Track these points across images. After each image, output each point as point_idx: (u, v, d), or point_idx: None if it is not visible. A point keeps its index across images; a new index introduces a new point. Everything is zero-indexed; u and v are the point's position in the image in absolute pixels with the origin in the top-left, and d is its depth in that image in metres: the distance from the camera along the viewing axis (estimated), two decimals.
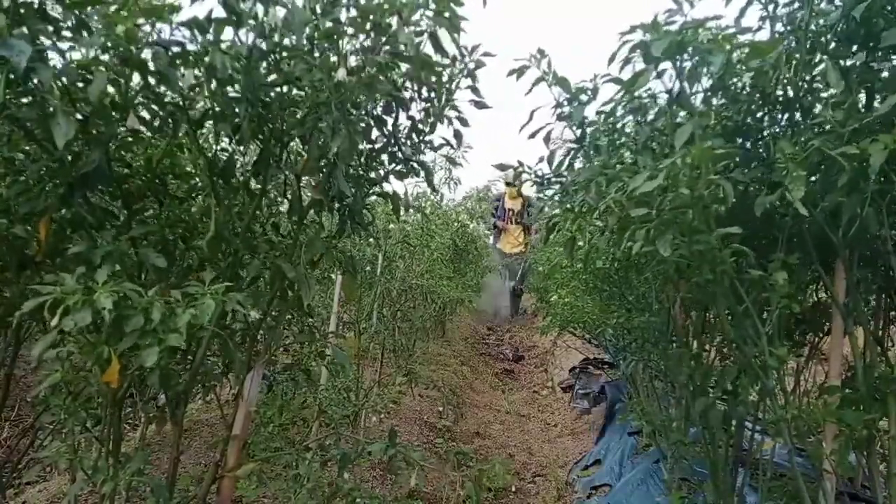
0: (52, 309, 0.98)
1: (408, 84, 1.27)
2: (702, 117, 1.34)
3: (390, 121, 1.33)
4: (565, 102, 1.65)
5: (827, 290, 1.59)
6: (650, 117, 1.54)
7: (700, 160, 1.16)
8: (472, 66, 1.33)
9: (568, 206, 1.66)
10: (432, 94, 1.33)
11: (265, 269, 1.33)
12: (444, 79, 1.31)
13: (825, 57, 1.31)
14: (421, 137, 1.39)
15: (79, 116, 1.09)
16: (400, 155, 1.38)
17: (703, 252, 1.26)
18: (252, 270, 1.31)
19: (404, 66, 1.21)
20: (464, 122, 1.39)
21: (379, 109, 1.28)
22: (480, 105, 1.38)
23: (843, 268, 1.49)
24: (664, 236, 1.23)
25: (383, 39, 1.12)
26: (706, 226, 1.23)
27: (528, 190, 8.68)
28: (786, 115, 1.47)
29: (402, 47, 1.13)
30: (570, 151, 1.72)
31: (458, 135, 1.41)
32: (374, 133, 1.33)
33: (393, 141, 1.36)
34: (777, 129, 1.48)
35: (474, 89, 1.37)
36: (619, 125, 1.63)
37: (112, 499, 1.31)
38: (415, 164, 1.40)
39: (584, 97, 1.65)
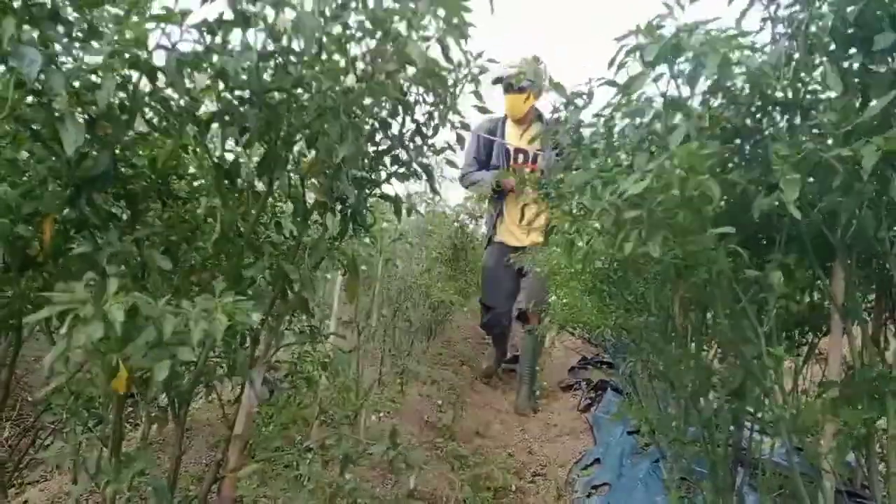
0: (62, 318, 0.96)
1: (413, 88, 1.28)
2: (699, 119, 1.35)
3: (395, 124, 1.34)
4: (562, 107, 1.68)
5: (824, 290, 1.60)
6: (646, 120, 1.55)
7: (688, 161, 1.17)
8: (476, 70, 1.33)
9: (565, 208, 1.68)
10: (436, 99, 1.34)
11: (268, 269, 1.34)
12: (449, 83, 1.31)
13: (825, 59, 1.31)
14: (424, 141, 1.39)
15: (86, 116, 1.09)
16: (403, 157, 1.39)
17: (696, 253, 1.26)
18: (256, 271, 1.31)
19: (410, 70, 1.21)
20: (466, 127, 1.40)
21: (384, 113, 1.28)
22: (483, 111, 1.40)
23: (841, 268, 1.50)
24: (655, 237, 1.23)
25: (391, 44, 1.12)
26: (699, 226, 1.24)
27: (545, 105, 3.77)
28: (785, 117, 1.47)
29: (411, 55, 1.14)
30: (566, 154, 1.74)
31: (460, 138, 1.43)
32: (378, 135, 1.34)
33: (397, 143, 1.36)
34: (775, 131, 1.48)
35: (478, 94, 1.37)
36: (615, 128, 1.65)
37: (114, 499, 1.32)
38: (417, 167, 1.41)
39: (579, 101, 1.67)
